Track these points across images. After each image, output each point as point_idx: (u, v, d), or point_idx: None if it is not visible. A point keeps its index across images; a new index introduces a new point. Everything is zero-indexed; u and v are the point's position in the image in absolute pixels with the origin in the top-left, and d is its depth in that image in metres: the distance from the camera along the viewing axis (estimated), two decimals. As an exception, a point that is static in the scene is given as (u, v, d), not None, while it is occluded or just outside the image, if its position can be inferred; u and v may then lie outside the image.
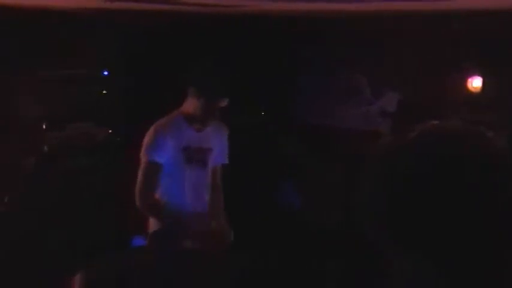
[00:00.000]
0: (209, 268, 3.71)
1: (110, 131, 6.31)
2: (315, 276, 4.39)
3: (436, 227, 1.06)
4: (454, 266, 1.06)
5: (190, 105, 4.09)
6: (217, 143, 4.27)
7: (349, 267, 4.81)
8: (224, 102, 4.04)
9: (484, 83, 6.43)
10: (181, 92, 4.20)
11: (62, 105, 6.16)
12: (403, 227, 1.08)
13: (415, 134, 1.13)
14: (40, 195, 5.79)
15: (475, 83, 6.47)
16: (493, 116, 5.83)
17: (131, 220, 5.61)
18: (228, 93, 4.05)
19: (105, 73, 6.39)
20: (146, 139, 4.11)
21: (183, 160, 4.10)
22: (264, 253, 3.99)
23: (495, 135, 1.10)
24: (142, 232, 4.48)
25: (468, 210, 1.05)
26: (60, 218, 5.60)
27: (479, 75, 6.46)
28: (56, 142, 6.03)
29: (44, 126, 6.05)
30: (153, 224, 4.16)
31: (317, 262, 4.55)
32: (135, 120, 6.44)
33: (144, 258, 3.62)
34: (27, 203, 5.69)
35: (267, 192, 5.71)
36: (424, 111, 5.79)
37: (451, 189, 1.06)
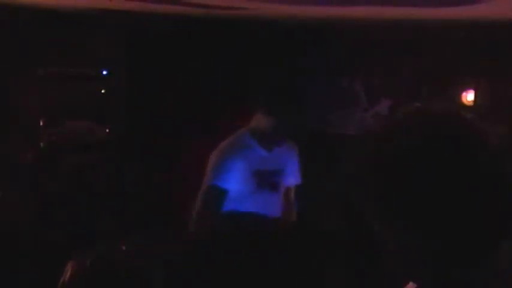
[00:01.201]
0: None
1: (108, 130, 6.36)
2: (317, 278, 4.44)
3: (418, 199, 1.14)
4: (436, 235, 1.14)
5: (261, 123, 3.69)
6: (289, 163, 3.90)
7: (350, 268, 4.87)
8: (295, 119, 3.73)
9: (477, 93, 6.50)
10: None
11: (60, 103, 6.20)
12: (390, 198, 1.16)
13: (399, 114, 1.23)
14: (37, 192, 5.83)
15: (469, 93, 6.54)
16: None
17: (128, 218, 5.68)
18: (299, 109, 3.77)
19: (105, 72, 6.43)
20: (211, 161, 3.66)
21: (254, 184, 3.69)
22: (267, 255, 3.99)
23: (474, 117, 1.21)
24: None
25: (446, 183, 1.13)
26: (55, 214, 5.63)
27: (473, 86, 6.53)
28: (54, 139, 6.06)
29: (41, 124, 6.09)
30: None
31: (318, 264, 4.59)
32: (133, 120, 6.51)
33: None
34: (24, 199, 5.72)
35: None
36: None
37: (431, 163, 1.13)
